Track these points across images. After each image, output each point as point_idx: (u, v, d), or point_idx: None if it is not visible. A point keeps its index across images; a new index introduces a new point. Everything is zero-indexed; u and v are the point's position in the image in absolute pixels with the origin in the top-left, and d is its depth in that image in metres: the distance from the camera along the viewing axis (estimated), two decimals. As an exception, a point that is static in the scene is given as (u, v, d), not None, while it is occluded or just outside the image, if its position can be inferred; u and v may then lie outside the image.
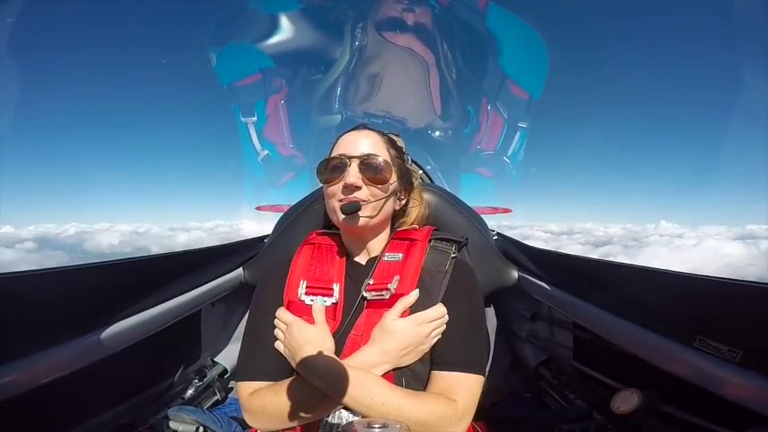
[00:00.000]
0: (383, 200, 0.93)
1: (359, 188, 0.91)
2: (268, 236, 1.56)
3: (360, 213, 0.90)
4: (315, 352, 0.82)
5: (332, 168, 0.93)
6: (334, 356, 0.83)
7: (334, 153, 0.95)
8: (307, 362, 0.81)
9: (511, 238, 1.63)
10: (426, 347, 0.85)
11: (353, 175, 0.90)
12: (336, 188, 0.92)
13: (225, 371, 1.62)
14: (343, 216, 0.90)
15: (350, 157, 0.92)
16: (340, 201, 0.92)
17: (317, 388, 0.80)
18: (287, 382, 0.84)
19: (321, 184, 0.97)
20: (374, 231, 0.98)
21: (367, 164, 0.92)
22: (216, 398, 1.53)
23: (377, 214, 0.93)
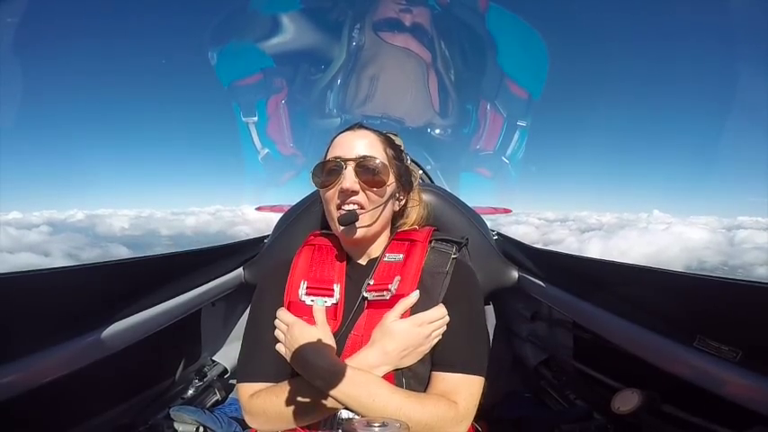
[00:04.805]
0: (381, 206, 0.91)
1: (356, 193, 0.88)
2: (268, 236, 1.56)
3: (357, 224, 0.88)
4: (316, 353, 0.82)
5: (327, 172, 0.90)
6: (336, 357, 0.83)
7: (330, 155, 0.92)
8: (308, 363, 0.81)
9: (511, 238, 1.64)
10: (427, 348, 0.84)
11: (350, 179, 0.88)
12: (333, 193, 0.90)
13: (225, 371, 1.63)
14: (342, 227, 0.89)
15: (345, 160, 0.89)
16: (337, 207, 0.90)
17: (318, 389, 0.79)
18: (288, 383, 0.84)
19: (317, 188, 0.94)
20: (373, 238, 0.96)
21: (363, 166, 0.89)
22: (216, 398, 1.53)
23: (375, 221, 0.91)
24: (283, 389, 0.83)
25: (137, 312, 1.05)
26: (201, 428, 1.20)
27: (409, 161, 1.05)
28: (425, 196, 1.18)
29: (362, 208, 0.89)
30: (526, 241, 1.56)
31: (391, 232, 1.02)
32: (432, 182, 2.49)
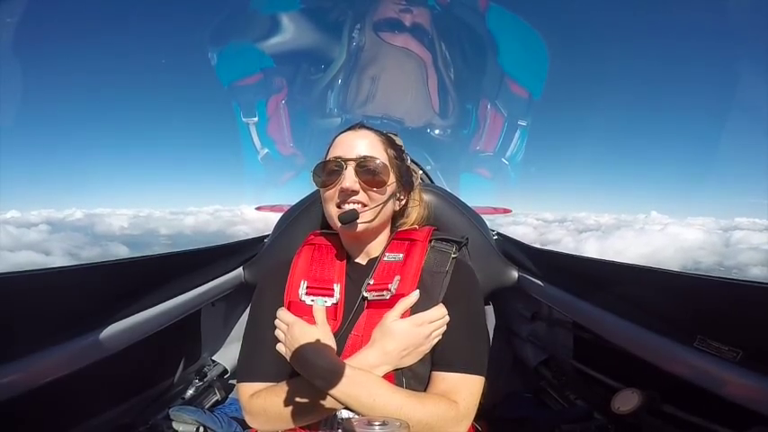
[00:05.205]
0: (382, 204, 0.91)
1: (356, 192, 0.89)
2: (268, 236, 1.56)
3: (357, 220, 0.88)
4: (316, 352, 0.82)
5: (328, 172, 0.91)
6: (336, 357, 0.83)
7: (331, 155, 0.93)
8: (308, 362, 0.81)
9: (511, 238, 1.64)
10: (427, 348, 0.85)
11: (350, 179, 0.88)
12: (333, 192, 0.91)
13: (225, 371, 1.62)
14: (341, 225, 0.89)
15: (346, 160, 0.89)
16: (337, 206, 0.91)
17: (319, 388, 0.79)
18: (288, 383, 0.84)
19: (318, 188, 0.95)
20: (374, 234, 0.97)
21: (364, 166, 0.89)
22: (216, 398, 1.53)
23: (375, 219, 0.91)
24: (283, 389, 0.83)
25: (137, 312, 1.05)
26: (201, 428, 1.20)
27: (409, 161, 1.05)
28: (426, 196, 1.18)
29: (364, 206, 0.90)
30: (524, 241, 1.57)
31: (391, 231, 1.02)
32: (432, 182, 2.50)
